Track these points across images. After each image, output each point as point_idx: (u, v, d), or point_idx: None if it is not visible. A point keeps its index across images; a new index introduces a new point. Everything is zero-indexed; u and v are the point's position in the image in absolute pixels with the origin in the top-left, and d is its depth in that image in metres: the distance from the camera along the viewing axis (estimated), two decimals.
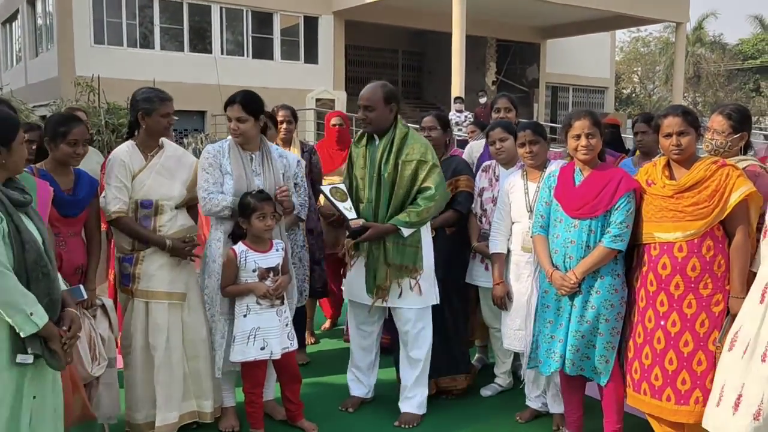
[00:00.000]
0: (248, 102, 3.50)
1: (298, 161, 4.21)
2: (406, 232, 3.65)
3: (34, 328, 2.26)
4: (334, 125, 5.28)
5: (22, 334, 2.25)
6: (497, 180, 4.11)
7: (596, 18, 19.80)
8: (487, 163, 4.26)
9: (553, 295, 3.40)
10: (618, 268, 3.31)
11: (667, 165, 3.26)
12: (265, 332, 3.42)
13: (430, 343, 3.83)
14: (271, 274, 3.47)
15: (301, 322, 4.64)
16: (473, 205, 4.16)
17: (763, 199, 3.10)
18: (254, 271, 3.44)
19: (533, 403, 3.92)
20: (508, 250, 3.88)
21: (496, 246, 3.88)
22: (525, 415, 3.92)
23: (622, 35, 34.05)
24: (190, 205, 3.67)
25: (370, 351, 4.05)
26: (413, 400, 3.85)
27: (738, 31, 53.96)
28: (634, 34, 36.39)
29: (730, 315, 3.07)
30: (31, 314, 2.25)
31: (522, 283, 3.78)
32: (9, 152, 2.38)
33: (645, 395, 3.22)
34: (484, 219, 4.12)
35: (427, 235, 3.81)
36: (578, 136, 3.29)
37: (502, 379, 4.34)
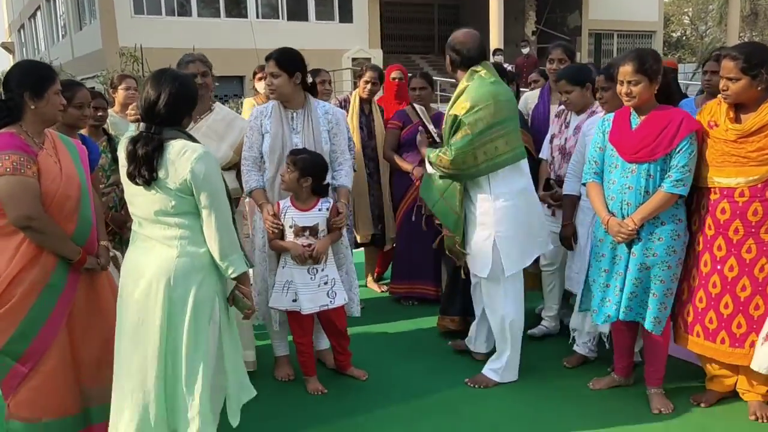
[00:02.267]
0: (282, 58, 3.48)
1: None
2: (428, 167, 3.61)
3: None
4: (393, 79, 5.31)
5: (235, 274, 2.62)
6: (566, 126, 4.05)
7: None
8: (560, 108, 4.18)
9: (608, 244, 3.26)
10: (680, 213, 3.17)
11: (733, 106, 3.08)
12: (297, 287, 3.47)
13: (503, 313, 3.61)
14: (307, 233, 3.44)
15: None
16: (544, 152, 4.20)
17: None
18: (291, 227, 3.46)
19: (581, 348, 3.89)
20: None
21: (569, 188, 3.83)
22: (572, 361, 3.90)
23: None
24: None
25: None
26: (492, 363, 3.72)
27: None
28: None
29: None
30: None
31: (584, 227, 3.76)
32: (44, 101, 2.66)
33: (698, 337, 3.20)
34: (554, 165, 4.11)
35: (478, 212, 3.53)
36: (621, 83, 3.11)
37: (548, 322, 4.35)
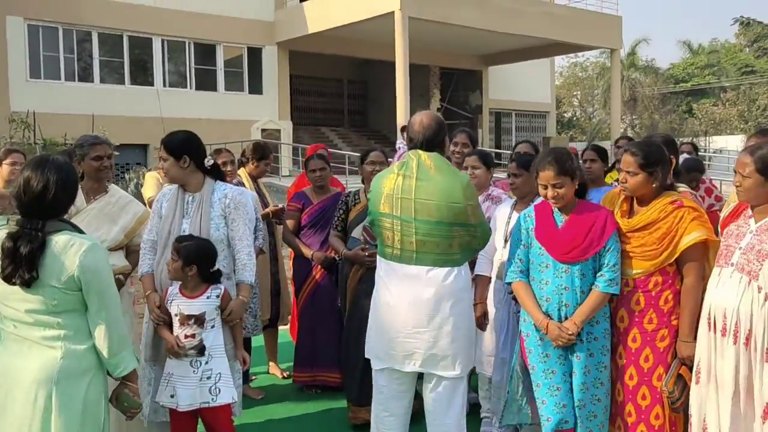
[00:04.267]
0: (169, 142, 3.40)
1: (255, 198, 4.25)
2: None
3: None
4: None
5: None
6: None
7: (535, 45, 20.24)
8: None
9: (550, 345, 3.12)
10: (608, 310, 3.15)
11: (628, 200, 3.18)
12: (175, 380, 3.22)
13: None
14: (192, 322, 3.23)
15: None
16: None
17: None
18: (176, 315, 3.26)
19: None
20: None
21: (479, 268, 3.85)
22: None
23: (561, 61, 35.02)
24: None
25: None
26: None
27: (669, 55, 55.96)
28: (572, 60, 37.52)
29: (677, 358, 3.06)
30: None
31: (499, 311, 3.75)
32: None
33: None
34: None
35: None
36: (545, 186, 3.09)
37: None
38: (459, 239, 3.15)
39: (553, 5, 20.04)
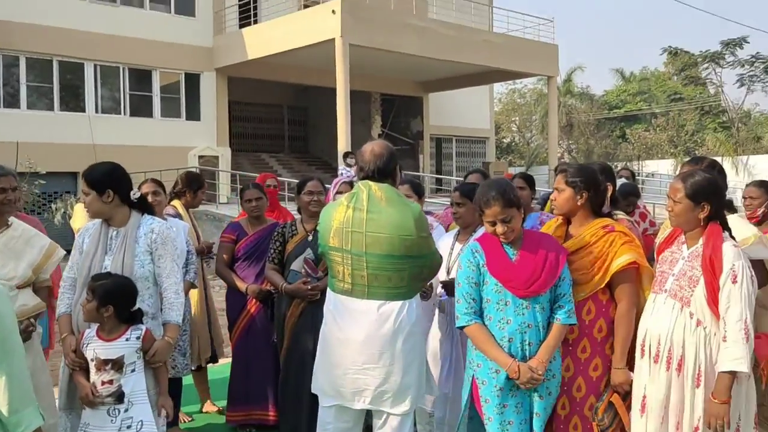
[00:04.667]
0: (89, 175, 3.21)
1: (189, 230, 4.26)
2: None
3: None
4: (267, 186, 5.27)
5: None
6: None
7: (474, 72, 20.50)
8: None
9: (507, 392, 2.90)
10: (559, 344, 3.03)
11: (564, 224, 3.19)
12: (93, 430, 3.01)
13: None
14: (109, 367, 3.00)
15: (175, 395, 4.36)
16: None
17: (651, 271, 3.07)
18: (92, 360, 3.04)
19: None
20: None
21: None
22: None
23: (500, 87, 35.77)
24: None
25: None
26: None
27: (603, 83, 58.09)
28: (511, 87, 38.38)
29: (610, 385, 3.03)
30: None
31: (442, 344, 3.67)
32: None
33: None
34: None
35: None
36: (493, 223, 2.94)
37: None
38: (410, 271, 3.09)
39: (492, 34, 20.39)
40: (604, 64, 71.64)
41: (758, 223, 4.21)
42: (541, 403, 2.92)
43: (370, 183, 3.13)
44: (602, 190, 3.21)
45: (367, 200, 3.07)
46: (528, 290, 2.88)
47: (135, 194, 3.29)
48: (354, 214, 3.07)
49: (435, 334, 3.77)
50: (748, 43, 30.62)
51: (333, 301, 3.19)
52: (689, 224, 2.88)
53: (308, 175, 4.48)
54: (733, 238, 2.92)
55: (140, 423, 3.01)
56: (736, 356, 2.68)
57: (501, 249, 2.99)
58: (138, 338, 3.07)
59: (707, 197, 2.83)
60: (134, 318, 3.11)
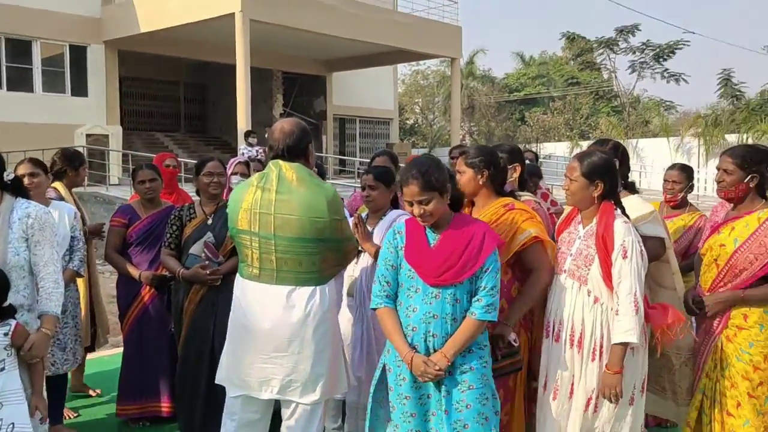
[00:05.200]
0: None
1: (75, 214, 4.16)
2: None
3: None
4: (167, 166, 5.06)
5: None
6: None
7: (378, 52, 20.39)
8: None
9: (411, 383, 2.78)
10: (485, 337, 2.84)
11: (468, 205, 3.17)
12: None
13: None
14: None
15: (59, 392, 4.20)
16: None
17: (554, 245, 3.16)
18: None
19: None
20: None
21: None
22: None
23: (403, 68, 35.88)
24: None
25: None
26: None
27: (504, 66, 59.62)
28: (414, 68, 38.59)
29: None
30: None
31: (352, 328, 3.62)
32: None
33: None
34: None
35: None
36: (410, 203, 2.75)
37: None
38: (323, 255, 3.00)
39: (396, 13, 20.35)
40: (505, 48, 73.54)
41: (677, 207, 4.27)
42: (448, 400, 2.73)
43: (281, 163, 3.02)
44: (502, 168, 3.24)
45: (276, 180, 2.96)
46: (438, 279, 2.72)
47: (8, 175, 3.01)
48: (263, 195, 2.97)
49: (346, 318, 3.66)
50: (640, 30, 32.14)
51: (241, 287, 3.09)
52: (584, 202, 2.99)
53: (207, 156, 4.21)
54: (627, 215, 3.00)
55: (11, 425, 2.77)
56: (626, 328, 2.80)
57: (423, 233, 2.83)
58: (6, 334, 2.77)
59: (601, 176, 2.93)
60: (2, 314, 2.80)
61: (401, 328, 2.77)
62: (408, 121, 39.02)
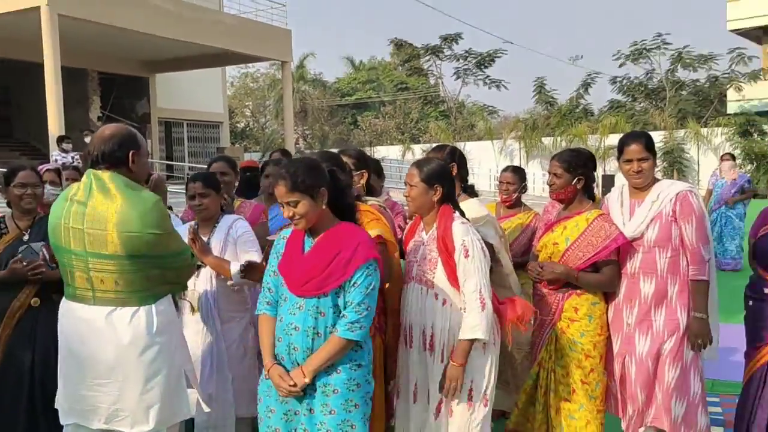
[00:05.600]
0: None
1: None
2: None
3: None
4: None
5: None
6: None
7: (205, 53, 19.66)
8: None
9: (277, 396, 2.64)
10: (361, 357, 2.63)
11: None
12: None
13: None
14: None
15: None
16: None
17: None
18: None
19: None
20: None
21: None
22: None
23: (232, 71, 34.99)
24: None
25: None
26: None
27: (335, 70, 60.19)
28: (243, 70, 37.71)
29: None
30: None
31: (198, 342, 3.50)
32: None
33: None
34: None
35: None
36: (281, 205, 2.62)
37: None
38: (144, 273, 2.73)
39: (223, 14, 19.78)
40: (335, 53, 74.20)
41: (512, 206, 4.52)
42: (310, 419, 2.59)
43: (96, 172, 2.76)
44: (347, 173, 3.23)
45: (87, 192, 2.71)
46: (301, 288, 2.60)
47: None
48: (74, 208, 2.71)
49: (190, 335, 3.42)
50: (463, 39, 33.56)
51: (64, 308, 2.86)
52: (425, 207, 3.06)
53: (18, 163, 3.59)
54: (466, 218, 3.11)
55: None
56: (473, 324, 2.87)
57: (301, 239, 2.70)
58: None
59: (439, 180, 3.03)
60: None
61: (272, 337, 2.68)
62: (239, 125, 38.14)
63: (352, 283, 2.54)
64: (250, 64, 33.76)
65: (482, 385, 2.98)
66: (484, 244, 3.00)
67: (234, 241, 3.54)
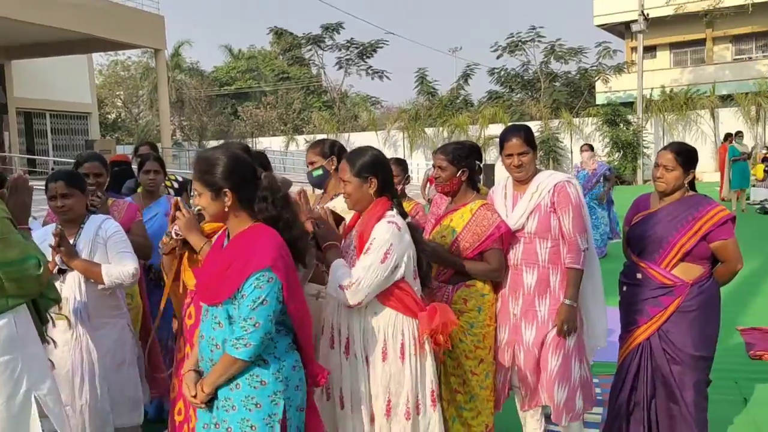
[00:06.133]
0: None
1: None
2: None
3: None
4: None
5: None
6: None
7: (68, 39, 18.47)
8: None
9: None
10: (266, 373, 2.35)
11: None
12: None
13: None
14: None
15: None
16: None
17: None
18: None
19: None
20: None
21: None
22: None
23: (100, 58, 33.05)
24: None
25: None
26: None
27: (212, 59, 58.23)
28: (113, 58, 35.73)
29: None
30: None
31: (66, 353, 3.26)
32: None
33: None
34: None
35: None
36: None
37: None
38: None
39: None
40: (212, 41, 71.94)
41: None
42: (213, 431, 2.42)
43: None
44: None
45: None
46: (201, 296, 2.51)
47: None
48: None
49: (56, 349, 3.14)
50: (344, 28, 33.28)
51: None
52: (363, 202, 2.93)
53: None
54: (404, 214, 2.99)
55: None
56: (343, 273, 2.79)
57: (221, 243, 2.54)
58: None
59: (372, 171, 2.91)
60: None
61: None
62: (110, 116, 36.15)
63: (240, 294, 2.29)
64: (120, 51, 32.06)
65: (414, 394, 2.85)
66: (411, 259, 2.87)
67: (104, 242, 3.32)
